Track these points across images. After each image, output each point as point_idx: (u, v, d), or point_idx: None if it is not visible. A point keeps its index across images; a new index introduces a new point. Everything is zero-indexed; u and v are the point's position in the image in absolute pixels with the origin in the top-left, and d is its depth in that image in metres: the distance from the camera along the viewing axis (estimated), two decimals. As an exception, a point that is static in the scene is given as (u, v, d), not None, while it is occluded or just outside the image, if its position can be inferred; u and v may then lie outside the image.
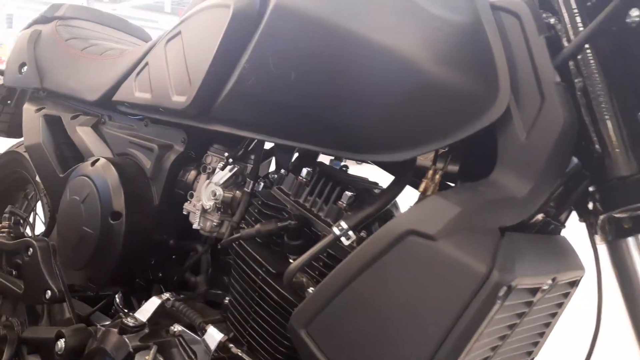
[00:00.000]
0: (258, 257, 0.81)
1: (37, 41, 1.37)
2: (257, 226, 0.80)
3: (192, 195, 0.99)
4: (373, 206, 0.70)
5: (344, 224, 0.69)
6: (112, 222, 0.97)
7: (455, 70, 0.60)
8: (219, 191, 0.92)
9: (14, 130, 1.87)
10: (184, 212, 0.99)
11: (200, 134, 1.05)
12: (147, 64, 1.02)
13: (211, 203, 0.93)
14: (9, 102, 1.85)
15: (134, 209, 0.99)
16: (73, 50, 1.29)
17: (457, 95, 0.60)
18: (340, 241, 0.69)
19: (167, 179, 1.01)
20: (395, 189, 0.72)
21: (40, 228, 1.70)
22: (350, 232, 0.69)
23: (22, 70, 1.34)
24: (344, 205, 0.76)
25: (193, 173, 1.00)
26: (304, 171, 0.82)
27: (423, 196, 0.66)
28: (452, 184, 0.73)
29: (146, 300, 1.10)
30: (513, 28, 0.61)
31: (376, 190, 0.84)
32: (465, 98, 0.60)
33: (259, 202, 0.85)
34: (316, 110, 0.67)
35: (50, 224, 1.27)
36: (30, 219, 1.90)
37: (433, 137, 0.61)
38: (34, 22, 1.49)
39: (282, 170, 0.87)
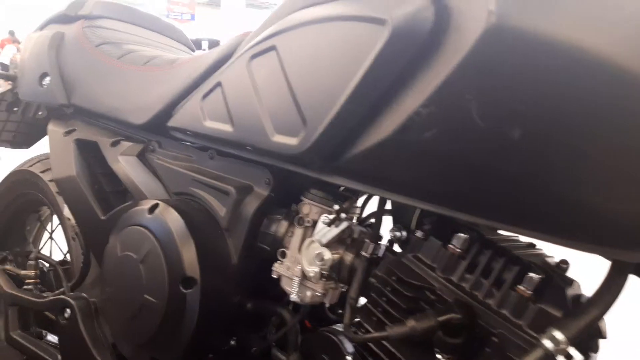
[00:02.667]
0: None
1: (59, 46, 1.13)
2: (411, 323, 0.59)
3: (283, 255, 0.78)
4: (595, 308, 0.51)
5: (559, 335, 0.49)
6: (184, 290, 0.76)
7: None
8: (327, 255, 0.72)
9: (19, 140, 1.65)
10: (273, 275, 0.78)
11: (290, 174, 0.84)
12: (219, 84, 0.80)
13: (316, 270, 0.72)
14: (15, 109, 1.62)
15: (211, 273, 0.78)
16: (107, 59, 1.07)
17: None
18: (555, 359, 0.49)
19: (249, 232, 0.80)
20: (618, 281, 0.52)
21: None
22: (575, 352, 0.49)
23: (44, 83, 1.11)
24: (529, 293, 0.56)
25: (283, 225, 0.79)
26: (458, 238, 0.62)
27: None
28: None
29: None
30: None
31: (547, 258, 0.64)
32: None
33: (394, 278, 0.65)
34: (542, 183, 0.46)
35: (83, 271, 1.05)
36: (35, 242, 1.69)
37: None
38: (50, 21, 1.25)
39: (419, 233, 0.67)
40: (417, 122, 0.50)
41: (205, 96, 0.83)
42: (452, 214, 0.55)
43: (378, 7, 0.54)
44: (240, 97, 0.75)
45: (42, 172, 1.36)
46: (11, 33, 15.28)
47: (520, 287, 0.57)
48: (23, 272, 1.03)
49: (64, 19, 1.19)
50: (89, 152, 1.03)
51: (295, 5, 0.72)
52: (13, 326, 0.93)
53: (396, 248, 0.75)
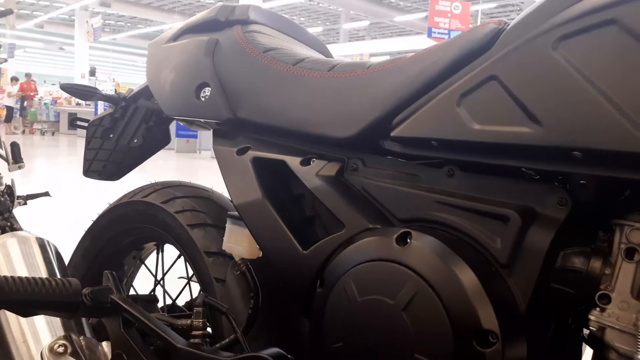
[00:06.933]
0: None
1: (215, 54, 0.97)
2: None
3: (606, 299, 0.58)
4: None
5: None
6: (480, 349, 0.56)
7: None
8: None
9: (108, 171, 1.49)
10: (592, 327, 0.58)
11: (589, 189, 0.65)
12: (492, 78, 0.63)
13: (684, 321, 0.52)
14: (111, 135, 1.47)
15: (508, 325, 0.58)
16: (281, 66, 0.90)
17: None
18: None
19: (542, 270, 0.60)
20: None
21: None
22: None
23: (203, 95, 0.94)
24: None
25: (597, 259, 0.59)
26: None
27: None
28: None
29: None
30: None
31: None
32: None
33: None
34: None
35: (251, 317, 0.85)
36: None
37: None
38: (186, 30, 1.08)
39: None
40: None
41: (465, 95, 0.65)
42: None
43: None
44: (549, 89, 0.58)
45: (164, 202, 1.18)
46: (28, 75, 15.66)
47: None
48: (181, 321, 0.83)
49: (212, 25, 1.04)
50: (271, 174, 0.84)
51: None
52: (187, 392, 0.72)
53: None
